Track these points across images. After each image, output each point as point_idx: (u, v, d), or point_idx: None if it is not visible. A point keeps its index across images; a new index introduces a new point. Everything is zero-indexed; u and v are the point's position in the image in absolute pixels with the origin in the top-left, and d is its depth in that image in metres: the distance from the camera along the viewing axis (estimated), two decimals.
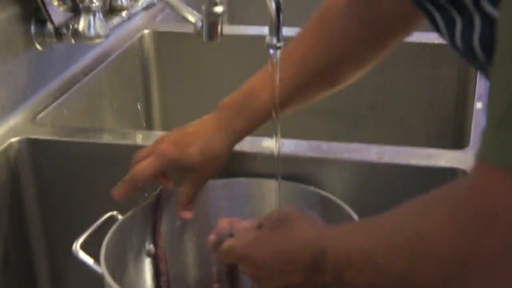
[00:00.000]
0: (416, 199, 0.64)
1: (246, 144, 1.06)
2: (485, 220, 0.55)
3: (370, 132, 1.57)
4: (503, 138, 0.53)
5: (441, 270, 0.59)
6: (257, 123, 0.99)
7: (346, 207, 0.96)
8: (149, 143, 1.10)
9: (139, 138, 1.16)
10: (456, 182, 0.66)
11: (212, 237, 0.93)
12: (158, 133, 1.19)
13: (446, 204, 0.60)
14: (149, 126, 1.62)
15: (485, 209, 0.55)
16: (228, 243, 0.84)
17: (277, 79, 0.91)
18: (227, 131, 0.99)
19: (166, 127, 1.63)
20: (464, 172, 1.01)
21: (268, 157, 1.03)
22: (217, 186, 1.05)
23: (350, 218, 0.94)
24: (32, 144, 1.16)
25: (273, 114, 0.92)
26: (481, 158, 0.56)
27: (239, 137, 1.01)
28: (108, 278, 0.88)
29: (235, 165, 1.07)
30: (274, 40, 0.89)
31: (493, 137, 0.55)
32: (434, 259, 0.59)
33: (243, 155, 1.07)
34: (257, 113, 0.98)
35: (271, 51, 0.90)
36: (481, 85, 1.27)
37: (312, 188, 1.02)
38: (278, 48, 0.89)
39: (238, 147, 1.03)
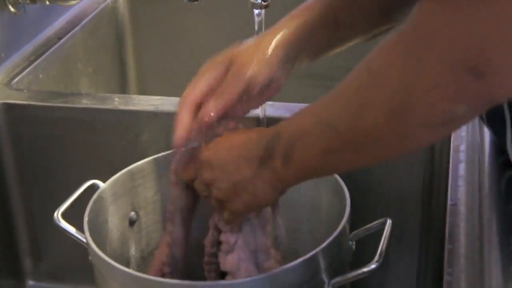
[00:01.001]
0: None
1: None
2: (426, 42, 0.54)
3: None
4: None
5: (387, 100, 0.58)
6: None
7: None
8: (129, 107, 1.08)
9: (118, 102, 1.13)
10: None
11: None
12: (139, 97, 1.16)
13: (394, 36, 0.59)
14: (124, 90, 1.59)
15: (426, 32, 0.55)
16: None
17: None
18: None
19: (141, 91, 1.61)
20: None
21: (254, 120, 1.01)
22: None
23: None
24: (9, 109, 1.13)
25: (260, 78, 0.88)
26: None
27: None
28: (93, 246, 0.86)
29: None
30: None
31: None
32: (382, 90, 0.58)
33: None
34: None
35: (256, 11, 0.88)
36: None
37: None
38: (265, 7, 0.86)
39: None
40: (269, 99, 0.86)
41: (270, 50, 0.83)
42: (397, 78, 0.57)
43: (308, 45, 0.85)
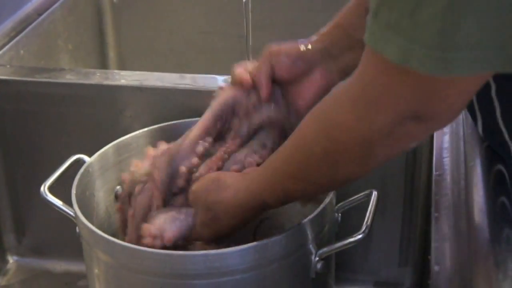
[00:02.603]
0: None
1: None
2: (375, 103, 0.65)
3: None
4: (375, 28, 0.61)
5: (355, 155, 0.69)
6: None
7: None
8: (114, 82, 1.08)
9: (102, 77, 1.13)
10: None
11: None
12: (120, 72, 1.16)
13: (344, 89, 0.69)
14: (105, 67, 1.59)
15: (373, 95, 0.65)
16: None
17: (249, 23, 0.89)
18: None
19: (121, 67, 1.61)
20: None
21: None
22: (184, 124, 1.03)
23: None
24: None
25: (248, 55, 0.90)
26: (366, 41, 0.64)
27: None
28: (82, 218, 0.86)
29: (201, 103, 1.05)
30: None
31: (372, 23, 0.62)
32: (349, 150, 0.69)
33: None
34: None
35: None
36: None
37: None
38: None
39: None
40: None
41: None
42: (355, 132, 0.67)
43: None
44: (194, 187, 0.85)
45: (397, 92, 0.63)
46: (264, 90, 0.87)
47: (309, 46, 0.87)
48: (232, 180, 0.82)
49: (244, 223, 0.83)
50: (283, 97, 0.88)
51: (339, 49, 0.86)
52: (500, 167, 0.81)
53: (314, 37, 0.88)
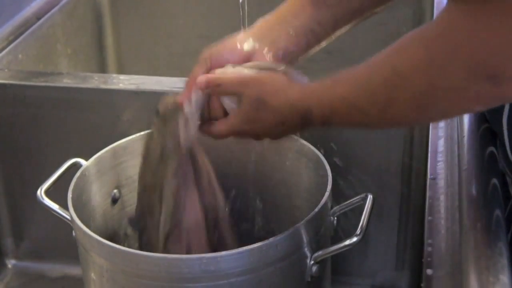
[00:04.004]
0: (391, 44, 0.70)
1: None
2: (450, 52, 0.61)
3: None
4: None
5: (414, 97, 0.66)
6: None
7: None
8: (111, 86, 1.08)
9: (99, 81, 1.13)
10: (426, 23, 0.71)
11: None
12: (120, 76, 1.16)
13: (417, 40, 0.66)
14: (103, 71, 1.59)
15: (452, 40, 0.61)
16: (219, 128, 0.86)
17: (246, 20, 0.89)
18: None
19: (120, 71, 1.61)
20: None
21: None
22: None
23: None
24: None
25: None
26: None
27: None
28: (78, 222, 0.86)
29: None
30: None
31: None
32: (409, 89, 0.66)
33: None
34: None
35: None
36: None
37: None
38: None
39: None
40: None
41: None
42: (423, 81, 0.64)
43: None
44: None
45: (479, 39, 0.60)
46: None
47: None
48: (289, 83, 0.82)
49: (282, 129, 0.82)
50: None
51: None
52: (494, 173, 0.81)
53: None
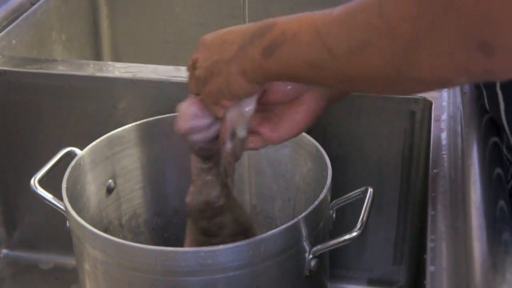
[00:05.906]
0: None
1: None
2: (443, 6, 0.53)
3: None
4: None
5: (396, 47, 0.57)
6: None
7: None
8: (107, 74, 1.06)
9: (95, 69, 1.11)
10: None
11: None
12: (114, 64, 1.14)
13: None
14: (98, 58, 1.57)
15: None
16: None
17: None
18: None
19: (115, 59, 1.59)
20: None
21: None
22: None
23: None
24: None
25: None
26: None
27: None
28: (72, 212, 0.85)
29: None
30: None
31: None
32: (392, 37, 0.57)
33: None
34: None
35: None
36: None
37: None
38: None
39: None
40: None
41: None
42: (409, 33, 0.56)
43: None
44: None
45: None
46: None
47: None
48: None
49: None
50: None
51: None
52: (499, 167, 0.79)
53: None
